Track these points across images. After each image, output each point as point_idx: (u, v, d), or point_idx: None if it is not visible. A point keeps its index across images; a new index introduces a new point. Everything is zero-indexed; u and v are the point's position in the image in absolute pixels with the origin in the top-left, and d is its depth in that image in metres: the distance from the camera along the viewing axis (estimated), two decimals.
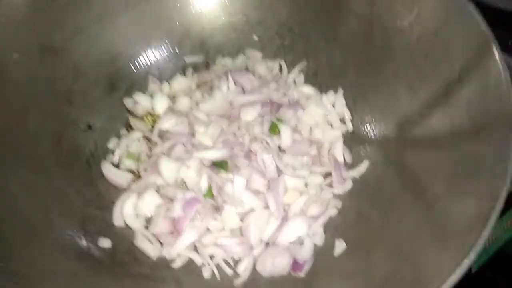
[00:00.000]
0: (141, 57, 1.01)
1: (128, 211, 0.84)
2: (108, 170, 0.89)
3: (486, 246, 0.90)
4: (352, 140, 0.95)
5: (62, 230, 0.75)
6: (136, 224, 0.83)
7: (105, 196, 0.87)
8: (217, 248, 0.80)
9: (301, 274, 0.76)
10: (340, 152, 0.92)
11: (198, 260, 0.79)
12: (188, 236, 0.80)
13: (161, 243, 0.81)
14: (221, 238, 0.80)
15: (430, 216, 0.69)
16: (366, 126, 0.94)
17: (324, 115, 0.97)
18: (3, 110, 0.79)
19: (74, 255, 0.73)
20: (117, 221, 0.83)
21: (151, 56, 1.02)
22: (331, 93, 0.99)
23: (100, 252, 0.77)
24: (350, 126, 0.96)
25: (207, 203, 0.83)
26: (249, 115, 0.92)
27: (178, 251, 0.79)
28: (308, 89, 1.01)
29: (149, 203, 0.84)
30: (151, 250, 0.80)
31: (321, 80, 1.02)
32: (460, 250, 0.56)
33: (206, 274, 0.78)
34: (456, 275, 0.54)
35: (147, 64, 1.02)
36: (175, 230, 0.82)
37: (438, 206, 0.70)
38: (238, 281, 0.76)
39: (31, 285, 0.61)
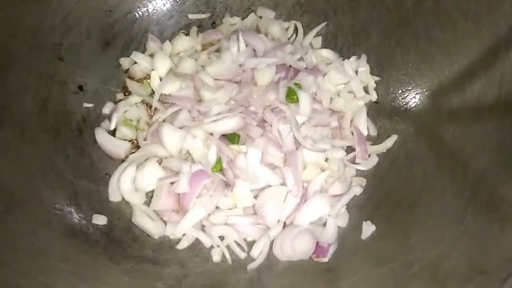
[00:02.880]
0: (139, 10, 0.89)
1: (126, 184, 0.73)
2: (102, 138, 0.78)
3: None
4: (378, 111, 0.85)
5: (49, 203, 0.65)
6: (135, 199, 0.72)
7: (99, 167, 0.77)
8: (228, 228, 0.70)
9: (325, 259, 0.67)
10: (364, 124, 0.82)
11: (206, 241, 0.70)
12: (195, 214, 0.70)
13: (164, 222, 0.71)
14: (233, 217, 0.70)
15: (477, 195, 0.60)
16: (394, 96, 0.84)
17: (346, 82, 0.86)
18: None
19: (63, 232, 0.63)
20: (114, 196, 0.73)
21: (151, 9, 0.90)
22: (353, 59, 0.88)
23: (94, 230, 0.67)
24: (374, 96, 0.86)
25: (217, 178, 0.73)
26: (265, 77, 0.81)
27: (183, 231, 0.69)
28: (328, 53, 0.90)
29: (150, 175, 0.73)
30: (153, 228, 0.70)
31: (342, 44, 0.91)
32: None
33: (216, 257, 0.69)
34: None
35: (146, 19, 0.90)
36: (180, 207, 0.72)
37: (485, 185, 0.61)
38: (253, 265, 0.67)
39: (12, 266, 0.50)
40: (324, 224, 0.70)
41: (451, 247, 0.56)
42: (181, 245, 0.70)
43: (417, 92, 0.81)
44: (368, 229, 0.69)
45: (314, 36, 0.93)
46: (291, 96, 0.79)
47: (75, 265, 0.58)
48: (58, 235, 0.61)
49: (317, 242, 0.68)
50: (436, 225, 0.61)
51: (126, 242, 0.67)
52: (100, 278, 0.58)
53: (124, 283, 0.60)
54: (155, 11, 0.91)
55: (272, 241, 0.70)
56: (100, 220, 0.68)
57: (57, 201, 0.67)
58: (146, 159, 0.76)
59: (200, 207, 0.70)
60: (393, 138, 0.80)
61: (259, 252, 0.68)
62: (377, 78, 0.87)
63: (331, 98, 0.85)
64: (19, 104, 0.71)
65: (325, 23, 0.92)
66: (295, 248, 0.67)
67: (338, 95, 0.86)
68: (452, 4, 0.76)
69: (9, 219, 0.57)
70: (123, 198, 0.73)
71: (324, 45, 0.92)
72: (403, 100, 0.83)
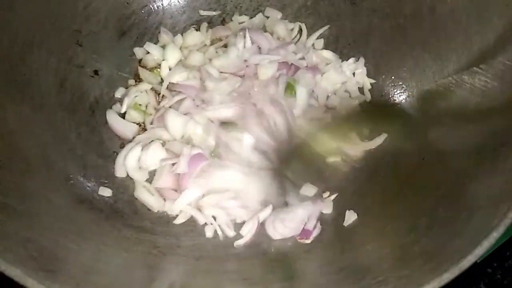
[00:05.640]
0: (155, 4, 0.96)
1: (132, 162, 0.79)
2: (113, 119, 0.84)
3: None
4: (371, 110, 0.90)
5: (60, 173, 0.71)
6: (138, 176, 0.79)
7: (108, 145, 0.83)
8: (220, 210, 0.75)
9: (308, 241, 0.72)
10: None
11: (200, 219, 0.75)
12: (191, 193, 0.76)
13: (163, 198, 0.77)
14: (224, 199, 0.76)
15: (452, 190, 0.65)
16: (387, 97, 0.90)
17: (343, 82, 0.92)
18: (6, 44, 0.74)
19: (71, 199, 0.69)
20: (119, 172, 0.79)
21: (166, 4, 0.97)
22: (351, 61, 0.94)
23: (99, 200, 0.73)
24: (368, 96, 0.91)
25: (214, 162, 0.79)
26: (267, 72, 0.87)
27: (180, 208, 0.75)
28: (328, 54, 0.95)
29: (154, 156, 0.80)
30: (153, 202, 0.76)
31: (342, 47, 0.97)
32: (488, 221, 0.52)
33: (209, 233, 0.74)
34: (481, 248, 0.50)
35: (160, 13, 0.97)
36: (179, 187, 0.78)
37: (461, 181, 0.66)
38: (240, 242, 0.72)
39: (23, 222, 0.57)
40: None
41: (421, 234, 0.61)
42: (178, 221, 0.75)
43: (408, 95, 0.86)
44: (350, 217, 0.74)
45: (317, 38, 0.98)
46: (290, 91, 0.85)
47: (80, 228, 0.64)
48: (66, 201, 0.67)
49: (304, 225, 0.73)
50: (411, 215, 0.66)
51: (127, 214, 0.73)
52: (102, 241, 0.64)
53: (123, 247, 0.66)
54: (169, 6, 0.98)
55: (264, 223, 0.75)
56: (105, 192, 0.75)
57: (68, 171, 0.73)
58: (151, 141, 0.82)
59: (196, 186, 0.76)
60: (383, 136, 0.85)
61: (247, 231, 0.74)
62: (372, 81, 0.92)
63: (327, 96, 0.90)
64: (39, 82, 0.78)
65: (328, 26, 0.97)
66: (286, 224, 0.73)
67: (335, 94, 0.91)
68: (446, 15, 0.81)
69: (24, 183, 0.63)
70: (127, 175, 0.79)
71: (326, 47, 0.98)
72: (395, 102, 0.88)
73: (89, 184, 0.74)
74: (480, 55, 0.75)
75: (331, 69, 0.91)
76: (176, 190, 0.78)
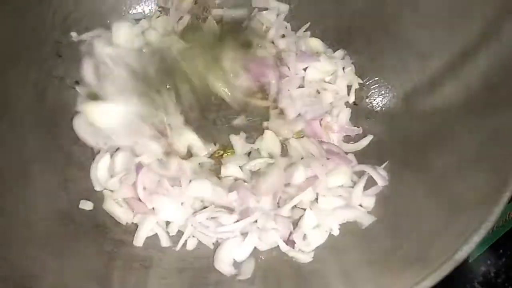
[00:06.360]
0: (135, 11, 0.95)
1: (103, 173, 0.76)
2: (80, 127, 0.80)
3: (485, 237, 0.84)
4: (356, 112, 0.88)
5: (39, 188, 0.70)
6: (112, 187, 0.76)
7: (89, 157, 0.81)
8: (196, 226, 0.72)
9: (291, 248, 0.70)
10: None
11: (163, 239, 0.72)
12: (147, 225, 0.72)
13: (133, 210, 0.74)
14: (199, 216, 0.72)
15: (436, 190, 0.64)
16: (372, 98, 0.88)
17: (333, 73, 0.89)
18: None
19: (51, 215, 0.68)
20: (97, 185, 0.76)
21: (146, 12, 0.96)
22: (340, 51, 0.92)
23: (80, 214, 0.72)
24: (352, 97, 0.89)
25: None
26: None
27: (142, 241, 0.72)
28: (318, 43, 0.93)
29: (123, 163, 0.76)
30: (121, 214, 0.73)
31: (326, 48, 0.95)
32: (469, 224, 0.51)
33: (190, 246, 0.72)
34: (463, 252, 0.48)
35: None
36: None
37: (446, 180, 0.64)
38: None
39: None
40: None
41: (402, 239, 0.59)
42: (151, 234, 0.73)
43: (393, 95, 0.85)
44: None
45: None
46: None
47: (59, 244, 0.63)
48: (45, 216, 0.66)
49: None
50: (398, 218, 0.65)
51: (108, 227, 0.72)
52: (81, 256, 0.63)
53: (104, 262, 0.65)
54: (148, 14, 0.96)
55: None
56: (86, 205, 0.73)
57: (48, 186, 0.72)
58: (118, 148, 0.78)
59: (149, 217, 0.72)
60: (369, 138, 0.83)
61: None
62: (360, 81, 0.90)
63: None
64: (18, 96, 0.77)
65: (309, 23, 0.95)
66: (269, 234, 0.70)
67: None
68: (429, 12, 0.80)
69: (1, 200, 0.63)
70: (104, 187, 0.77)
71: None
72: (380, 102, 0.87)
73: (70, 198, 0.73)
74: (463, 52, 0.74)
75: (321, 56, 0.89)
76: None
